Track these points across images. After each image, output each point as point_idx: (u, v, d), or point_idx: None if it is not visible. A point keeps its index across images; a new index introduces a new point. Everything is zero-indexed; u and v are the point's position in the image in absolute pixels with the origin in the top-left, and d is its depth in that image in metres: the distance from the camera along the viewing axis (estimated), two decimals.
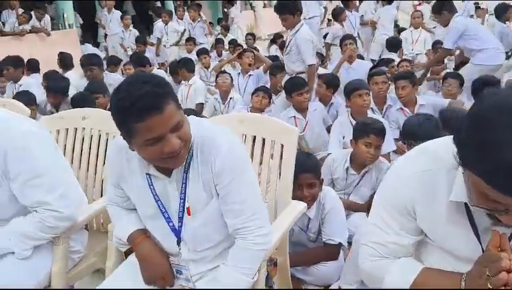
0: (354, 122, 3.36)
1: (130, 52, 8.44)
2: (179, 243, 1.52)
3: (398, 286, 1.19)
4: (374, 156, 2.86)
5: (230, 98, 4.98)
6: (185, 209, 1.47)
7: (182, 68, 5.51)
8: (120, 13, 9.46)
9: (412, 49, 6.73)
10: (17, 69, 5.13)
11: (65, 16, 10.13)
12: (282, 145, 1.86)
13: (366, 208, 2.76)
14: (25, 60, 5.67)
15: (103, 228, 2.16)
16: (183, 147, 1.33)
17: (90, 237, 2.01)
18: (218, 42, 8.56)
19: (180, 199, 1.46)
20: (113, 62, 6.61)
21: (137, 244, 1.57)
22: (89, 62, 4.93)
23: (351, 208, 2.79)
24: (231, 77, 5.10)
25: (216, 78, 5.23)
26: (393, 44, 6.39)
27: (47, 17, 9.21)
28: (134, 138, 1.28)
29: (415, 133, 2.59)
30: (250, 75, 5.73)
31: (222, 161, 1.40)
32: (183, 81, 5.64)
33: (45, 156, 1.64)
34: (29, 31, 8.68)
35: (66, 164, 1.80)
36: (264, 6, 15.52)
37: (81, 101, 3.82)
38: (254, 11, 15.16)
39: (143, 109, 1.21)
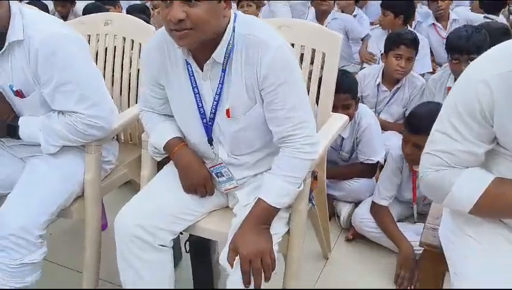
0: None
1: None
2: (210, 142, 1.47)
3: (467, 197, 1.11)
4: (404, 69, 2.71)
5: None
6: (217, 110, 1.40)
7: None
8: None
9: None
10: None
11: None
12: (323, 54, 1.74)
13: (398, 128, 2.66)
14: None
15: (132, 139, 2.10)
16: (193, 29, 1.23)
17: (120, 148, 1.95)
18: None
19: (214, 99, 1.39)
20: None
21: (176, 153, 1.51)
22: None
23: (382, 127, 2.70)
24: None
25: None
26: None
27: None
28: None
29: (464, 46, 2.42)
30: None
31: (270, 63, 1.28)
32: None
33: (78, 62, 1.53)
34: None
35: (98, 71, 1.69)
36: None
37: (94, 11, 3.63)
38: None
39: None
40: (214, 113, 1.41)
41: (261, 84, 1.32)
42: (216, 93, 1.38)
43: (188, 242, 1.77)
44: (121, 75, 2.03)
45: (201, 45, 1.29)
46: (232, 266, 1.31)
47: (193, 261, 1.83)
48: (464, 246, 1.19)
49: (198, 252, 1.81)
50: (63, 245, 2.06)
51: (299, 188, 1.38)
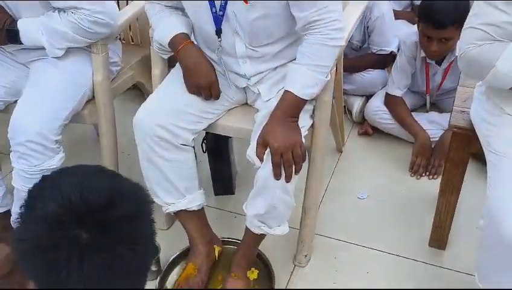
0: None
1: None
2: (218, 34, 1.36)
3: None
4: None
5: None
6: None
7: None
8: None
9: None
10: None
11: None
12: None
13: (408, 16, 2.52)
14: None
15: (134, 39, 1.98)
16: None
17: (123, 49, 1.83)
18: None
19: None
20: None
21: (181, 50, 1.41)
22: None
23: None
24: None
25: None
26: None
27: None
28: None
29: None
30: None
31: None
32: None
33: None
34: None
35: None
36: None
37: None
38: None
39: None
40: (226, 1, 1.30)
41: None
42: None
43: (204, 141, 1.75)
44: None
45: None
46: (261, 160, 1.29)
47: (211, 160, 1.82)
48: (502, 125, 1.16)
49: (216, 150, 1.79)
50: (79, 152, 2.01)
51: (326, 77, 1.32)
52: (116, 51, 1.72)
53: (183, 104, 1.43)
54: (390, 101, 2.11)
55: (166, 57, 1.53)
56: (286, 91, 1.30)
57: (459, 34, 1.18)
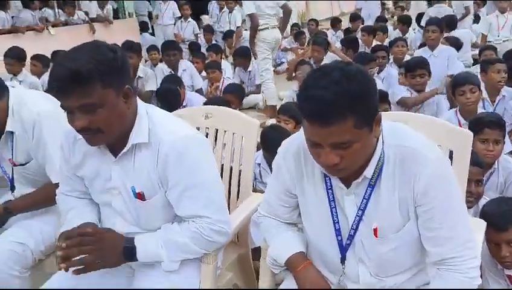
0: (462, 120, 3.06)
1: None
2: (342, 261, 1.33)
3: None
4: (493, 152, 2.52)
5: None
6: (359, 227, 1.28)
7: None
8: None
9: (498, 36, 6.20)
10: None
11: (125, 5, 10.11)
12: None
13: None
14: None
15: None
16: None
17: None
18: None
19: (357, 215, 1.27)
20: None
21: (301, 271, 1.37)
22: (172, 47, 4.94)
23: None
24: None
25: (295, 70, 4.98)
26: None
27: (109, 6, 9.20)
28: None
29: None
30: None
31: (429, 177, 1.17)
32: None
33: (204, 165, 1.47)
34: (92, 21, 8.70)
35: (218, 173, 1.61)
36: None
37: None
38: None
39: None
40: (355, 230, 1.29)
41: (419, 200, 1.20)
42: (360, 209, 1.27)
43: None
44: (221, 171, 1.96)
45: None
46: None
47: None
48: None
49: None
50: None
51: None
52: (219, 254, 1.70)
53: None
54: None
55: (277, 271, 1.49)
56: None
57: None
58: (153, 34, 10.09)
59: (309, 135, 1.14)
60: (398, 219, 1.24)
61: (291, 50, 7.97)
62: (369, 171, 1.22)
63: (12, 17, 7.75)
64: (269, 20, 4.99)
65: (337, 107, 1.06)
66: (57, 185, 1.73)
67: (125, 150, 1.43)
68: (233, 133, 1.93)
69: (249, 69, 5.86)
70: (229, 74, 5.84)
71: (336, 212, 1.29)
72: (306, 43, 7.46)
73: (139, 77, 4.69)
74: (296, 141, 1.34)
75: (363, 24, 7.81)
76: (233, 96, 4.08)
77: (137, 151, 1.44)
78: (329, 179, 1.28)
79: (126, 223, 1.52)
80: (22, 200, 1.89)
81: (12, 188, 1.95)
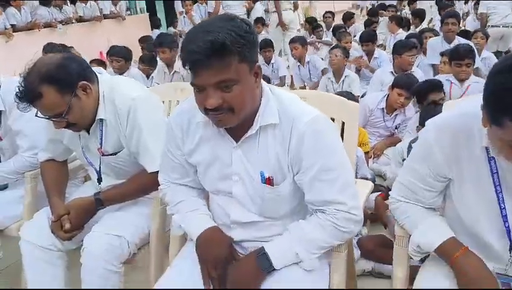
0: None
1: None
2: (511, 249, 1.26)
3: None
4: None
5: (346, 76, 4.56)
6: None
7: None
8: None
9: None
10: (127, 62, 4.64)
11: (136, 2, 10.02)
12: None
13: None
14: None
15: None
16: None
17: None
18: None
19: None
20: None
21: (459, 258, 1.28)
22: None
23: None
24: (344, 52, 4.64)
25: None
26: None
27: (122, 2, 9.09)
28: None
29: None
30: None
31: None
32: None
33: (340, 146, 1.36)
34: (105, 17, 8.60)
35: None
36: None
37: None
38: None
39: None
40: None
41: None
42: None
43: None
44: None
45: None
46: None
47: None
48: None
49: None
50: None
51: None
52: None
53: None
54: None
55: (417, 259, 1.40)
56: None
57: None
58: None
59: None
60: None
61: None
62: None
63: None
64: None
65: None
66: (152, 175, 1.65)
67: (250, 132, 1.33)
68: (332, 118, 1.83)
69: (271, 62, 5.73)
70: None
71: (503, 197, 1.22)
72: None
73: (175, 71, 4.53)
74: (454, 119, 1.26)
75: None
76: None
77: (262, 134, 1.34)
78: (494, 162, 1.21)
79: (244, 211, 1.42)
80: (113, 191, 1.80)
81: (99, 180, 1.85)
